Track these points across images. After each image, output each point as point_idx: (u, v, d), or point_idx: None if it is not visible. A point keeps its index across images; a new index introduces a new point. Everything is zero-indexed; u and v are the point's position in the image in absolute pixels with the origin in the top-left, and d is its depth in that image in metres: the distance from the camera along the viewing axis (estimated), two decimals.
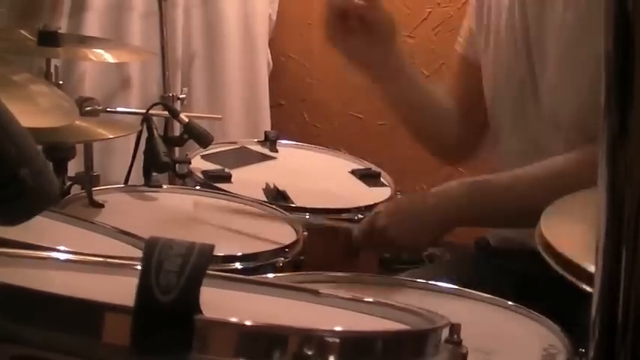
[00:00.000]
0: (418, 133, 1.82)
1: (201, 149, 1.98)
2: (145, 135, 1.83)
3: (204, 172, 1.88)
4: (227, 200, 1.76)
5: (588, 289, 0.88)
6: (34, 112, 1.41)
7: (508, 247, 1.59)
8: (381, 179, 1.99)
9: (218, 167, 1.94)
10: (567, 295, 1.01)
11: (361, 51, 1.64)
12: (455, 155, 1.89)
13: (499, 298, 1.26)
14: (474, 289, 1.28)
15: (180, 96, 2.41)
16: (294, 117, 3.05)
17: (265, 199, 1.79)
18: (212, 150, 2.01)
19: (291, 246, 1.55)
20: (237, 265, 1.47)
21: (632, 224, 0.61)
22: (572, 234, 1.04)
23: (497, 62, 1.59)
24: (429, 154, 1.90)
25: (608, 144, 0.61)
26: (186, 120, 1.95)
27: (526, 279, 1.46)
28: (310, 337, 0.69)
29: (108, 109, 2.01)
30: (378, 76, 1.71)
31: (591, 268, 0.86)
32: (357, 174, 2.01)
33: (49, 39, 1.90)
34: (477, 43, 1.66)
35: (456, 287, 1.30)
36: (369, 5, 1.60)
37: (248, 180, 1.89)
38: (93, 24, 2.49)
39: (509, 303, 1.25)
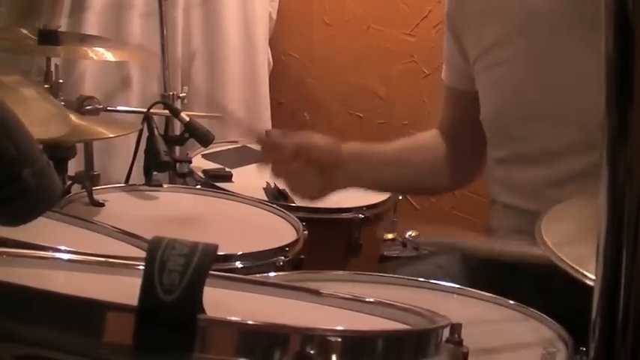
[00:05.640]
0: (419, 193, 1.84)
1: (202, 148, 1.98)
2: (145, 134, 1.83)
3: (204, 172, 1.89)
4: (228, 200, 1.76)
5: (590, 283, 0.88)
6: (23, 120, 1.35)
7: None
8: None
9: (219, 166, 1.94)
10: (568, 294, 1.01)
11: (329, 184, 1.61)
12: (453, 188, 1.90)
13: (500, 298, 1.26)
14: (478, 288, 1.28)
15: (181, 95, 2.41)
16: (294, 116, 3.06)
17: (266, 198, 1.79)
18: (213, 149, 2.02)
19: (291, 245, 1.55)
20: (238, 264, 1.47)
21: (632, 224, 0.61)
22: (572, 239, 1.04)
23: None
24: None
25: (608, 144, 0.61)
26: (187, 119, 1.95)
27: (530, 279, 1.46)
28: (312, 336, 0.69)
29: (108, 108, 2.01)
30: (360, 184, 1.69)
31: (590, 274, 0.86)
32: None
33: (49, 38, 1.90)
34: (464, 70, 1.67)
35: (457, 286, 1.30)
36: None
37: (249, 179, 1.89)
38: (93, 23, 2.49)
39: (510, 302, 1.25)
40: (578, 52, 1.42)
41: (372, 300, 0.93)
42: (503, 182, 1.62)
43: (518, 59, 1.54)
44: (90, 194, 1.67)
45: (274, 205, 1.72)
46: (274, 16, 2.90)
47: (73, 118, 1.72)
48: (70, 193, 1.76)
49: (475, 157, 1.74)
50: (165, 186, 1.81)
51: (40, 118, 1.38)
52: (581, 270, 0.94)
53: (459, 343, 0.81)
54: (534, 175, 1.55)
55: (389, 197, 1.90)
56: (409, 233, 2.62)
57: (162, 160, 1.78)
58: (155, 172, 1.80)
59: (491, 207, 1.69)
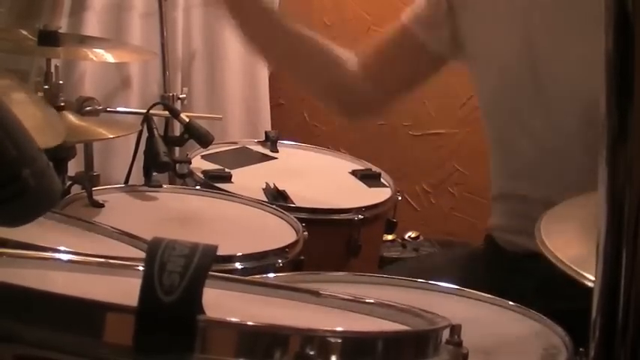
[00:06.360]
0: (307, 81, 1.80)
1: (202, 149, 1.98)
2: (145, 135, 1.83)
3: (204, 172, 1.88)
4: (227, 200, 1.76)
5: (590, 284, 0.88)
6: None
7: (513, 249, 1.59)
8: (381, 180, 2.00)
9: (218, 167, 1.94)
10: (568, 295, 1.01)
11: None
12: (353, 113, 1.86)
13: (499, 298, 1.26)
14: (479, 289, 1.28)
15: (181, 96, 2.41)
16: (294, 117, 3.06)
17: (265, 199, 1.80)
18: (212, 150, 2.02)
19: (291, 246, 1.55)
20: (237, 265, 1.47)
21: (632, 224, 0.61)
22: (572, 241, 1.04)
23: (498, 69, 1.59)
24: (323, 106, 1.88)
25: (608, 144, 0.61)
26: (187, 120, 1.95)
27: (531, 279, 1.46)
28: (311, 337, 0.69)
29: (108, 109, 2.01)
30: (243, 15, 1.68)
31: (590, 277, 0.86)
32: (357, 174, 2.01)
33: (49, 39, 1.90)
34: (435, 29, 1.65)
35: (456, 287, 1.30)
36: None
37: (248, 180, 1.89)
38: (93, 24, 2.49)
39: (510, 303, 1.25)
40: (577, 41, 1.42)
41: (371, 301, 0.93)
42: (504, 166, 1.61)
43: (517, 37, 1.54)
44: (89, 195, 1.67)
45: (274, 206, 1.72)
46: None
47: (73, 119, 1.72)
48: (69, 193, 1.76)
49: (383, 97, 1.73)
50: (164, 187, 1.81)
51: (30, 126, 1.35)
52: (580, 271, 0.94)
53: (459, 344, 0.81)
54: (533, 154, 1.54)
55: (388, 198, 1.90)
56: (409, 234, 2.63)
57: (162, 160, 1.78)
58: (155, 173, 1.80)
59: (492, 204, 1.69)
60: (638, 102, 0.60)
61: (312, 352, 0.68)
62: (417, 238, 2.63)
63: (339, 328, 0.72)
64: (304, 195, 1.83)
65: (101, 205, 1.66)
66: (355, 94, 1.74)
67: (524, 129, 1.55)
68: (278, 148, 2.13)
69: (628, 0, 0.59)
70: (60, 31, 1.96)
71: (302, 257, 1.56)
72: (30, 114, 1.41)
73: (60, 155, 1.70)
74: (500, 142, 1.63)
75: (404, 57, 1.69)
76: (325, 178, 2.03)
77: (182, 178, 1.90)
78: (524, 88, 1.53)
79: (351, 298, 0.95)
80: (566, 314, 1.18)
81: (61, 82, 1.93)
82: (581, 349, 1.09)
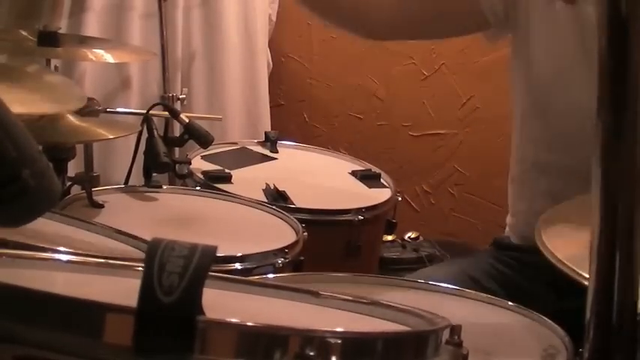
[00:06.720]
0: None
1: (202, 150, 1.98)
2: (145, 135, 1.83)
3: (204, 173, 1.88)
4: (227, 201, 1.76)
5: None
6: (46, 99, 1.47)
7: (529, 245, 1.58)
8: (381, 180, 2.00)
9: (218, 168, 1.94)
10: (570, 294, 1.01)
11: None
12: (376, 38, 1.86)
13: (499, 298, 1.26)
14: (487, 289, 1.28)
15: (180, 96, 2.41)
16: (294, 117, 3.06)
17: (265, 199, 1.80)
18: (212, 150, 2.02)
19: (290, 246, 1.55)
20: (237, 266, 1.47)
21: (626, 225, 0.61)
22: (572, 241, 1.04)
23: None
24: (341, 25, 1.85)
25: (602, 144, 0.61)
26: (187, 120, 1.95)
27: (534, 278, 1.46)
28: (311, 337, 0.69)
29: (108, 110, 2.01)
30: None
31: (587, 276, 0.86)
32: (357, 175, 2.01)
33: (48, 39, 1.90)
34: None
35: (456, 287, 1.31)
36: None
37: (248, 180, 1.90)
38: (93, 24, 2.49)
39: (509, 303, 1.25)
40: None
41: (371, 301, 0.93)
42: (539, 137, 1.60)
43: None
44: (89, 195, 1.67)
45: (274, 207, 1.72)
46: (274, 18, 2.90)
47: (73, 119, 1.72)
48: (69, 194, 1.76)
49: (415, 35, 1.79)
50: (164, 187, 1.81)
51: (62, 95, 1.55)
52: (579, 271, 0.94)
53: (459, 344, 0.81)
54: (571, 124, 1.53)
55: (388, 199, 1.90)
56: (409, 235, 2.63)
57: (162, 161, 1.78)
58: (155, 174, 1.80)
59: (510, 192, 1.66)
60: (632, 103, 0.60)
61: (311, 353, 0.68)
62: (416, 238, 2.63)
63: (338, 329, 0.72)
64: (304, 195, 1.83)
65: (101, 206, 1.66)
66: (386, 27, 1.74)
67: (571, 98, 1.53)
68: (278, 148, 2.13)
69: (622, 2, 0.59)
70: (60, 31, 1.96)
71: (302, 258, 1.56)
72: (65, 93, 1.56)
73: (60, 156, 1.70)
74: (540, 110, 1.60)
75: (452, 7, 1.68)
76: (325, 178, 2.03)
77: (182, 178, 1.90)
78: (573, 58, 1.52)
79: (351, 298, 0.95)
80: (566, 314, 1.18)
81: None
82: (580, 350, 1.09)
